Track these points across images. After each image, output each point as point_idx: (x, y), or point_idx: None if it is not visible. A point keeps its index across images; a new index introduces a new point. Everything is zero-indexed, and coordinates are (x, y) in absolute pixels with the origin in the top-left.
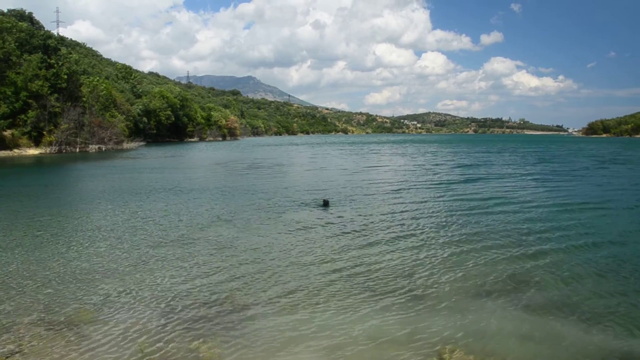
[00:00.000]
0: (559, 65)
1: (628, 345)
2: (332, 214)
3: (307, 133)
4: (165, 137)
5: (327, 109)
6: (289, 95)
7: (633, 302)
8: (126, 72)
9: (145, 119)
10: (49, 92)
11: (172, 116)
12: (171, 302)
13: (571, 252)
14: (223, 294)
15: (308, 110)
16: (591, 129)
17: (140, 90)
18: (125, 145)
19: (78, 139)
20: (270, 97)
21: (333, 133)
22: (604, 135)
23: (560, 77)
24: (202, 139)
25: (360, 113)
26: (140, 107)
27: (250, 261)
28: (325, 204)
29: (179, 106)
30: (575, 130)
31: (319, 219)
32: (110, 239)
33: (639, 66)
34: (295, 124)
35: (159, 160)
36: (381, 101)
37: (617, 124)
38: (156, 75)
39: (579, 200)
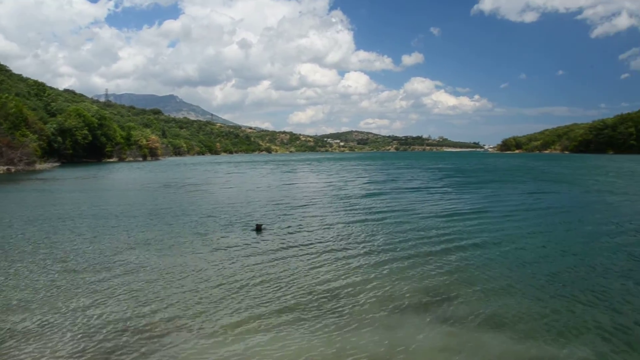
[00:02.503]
0: (474, 85)
1: (552, 351)
2: (259, 236)
3: (231, 152)
4: (82, 158)
5: (250, 128)
6: (212, 114)
7: (551, 308)
8: (39, 89)
9: (60, 139)
10: None
11: (89, 135)
12: (87, 331)
13: (487, 263)
14: (143, 320)
15: (231, 130)
16: (505, 146)
17: (54, 108)
18: (38, 166)
19: None
20: (192, 116)
21: (257, 152)
22: (517, 152)
23: (476, 97)
24: (121, 159)
25: (284, 132)
26: (55, 126)
27: (172, 286)
28: (258, 228)
29: (96, 125)
30: (491, 146)
31: (244, 241)
32: (18, 267)
33: (546, 87)
34: (218, 144)
35: (75, 182)
36: (305, 120)
37: (528, 141)
38: (72, 92)
39: (489, 211)
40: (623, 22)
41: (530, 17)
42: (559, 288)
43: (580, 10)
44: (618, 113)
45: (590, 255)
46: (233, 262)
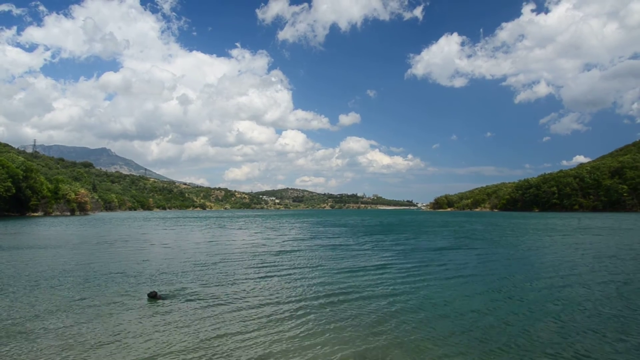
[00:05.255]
0: (407, 145)
1: None
2: (156, 301)
3: (164, 208)
4: (3, 211)
5: (185, 184)
6: (146, 169)
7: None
8: None
9: None
10: None
11: (12, 188)
12: None
13: (393, 315)
14: None
15: (165, 185)
16: (437, 204)
17: None
18: None
19: None
20: (125, 171)
21: (191, 208)
22: (449, 209)
23: (409, 156)
24: (47, 214)
25: (219, 188)
26: None
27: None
28: (153, 296)
29: (21, 177)
30: (424, 204)
31: (136, 312)
32: None
33: (475, 148)
34: (151, 199)
35: None
36: (241, 177)
37: (459, 199)
38: None
39: (403, 265)
40: (542, 89)
41: (459, 82)
42: (471, 342)
43: (504, 78)
44: (541, 173)
45: (490, 307)
46: (130, 328)
